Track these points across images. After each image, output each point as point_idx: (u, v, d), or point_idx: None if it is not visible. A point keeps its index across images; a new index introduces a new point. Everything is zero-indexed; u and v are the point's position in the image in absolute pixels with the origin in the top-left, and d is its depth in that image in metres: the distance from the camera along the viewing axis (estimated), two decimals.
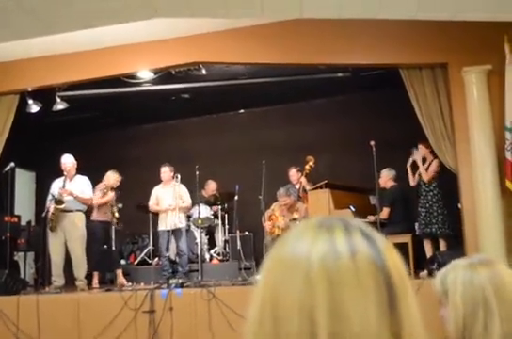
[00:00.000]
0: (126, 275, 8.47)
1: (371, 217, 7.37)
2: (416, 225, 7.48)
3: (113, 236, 7.89)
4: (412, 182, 7.72)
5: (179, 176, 8.33)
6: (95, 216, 8.18)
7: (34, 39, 6.60)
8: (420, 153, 7.53)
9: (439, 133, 6.95)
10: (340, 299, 0.70)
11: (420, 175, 7.54)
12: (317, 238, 0.75)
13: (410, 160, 7.67)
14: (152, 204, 8.56)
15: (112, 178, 8.33)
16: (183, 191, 8.42)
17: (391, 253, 0.76)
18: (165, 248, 8.28)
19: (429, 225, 7.21)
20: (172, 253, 8.58)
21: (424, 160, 7.57)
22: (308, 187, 8.40)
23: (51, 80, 7.91)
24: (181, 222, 8.34)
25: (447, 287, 1.49)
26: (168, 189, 8.42)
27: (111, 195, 8.22)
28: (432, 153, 7.37)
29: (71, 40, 7.08)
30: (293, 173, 8.88)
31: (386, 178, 7.86)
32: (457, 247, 6.85)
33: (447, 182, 7.27)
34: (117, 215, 8.16)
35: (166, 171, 8.43)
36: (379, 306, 0.71)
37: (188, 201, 8.45)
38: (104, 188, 8.12)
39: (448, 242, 7.21)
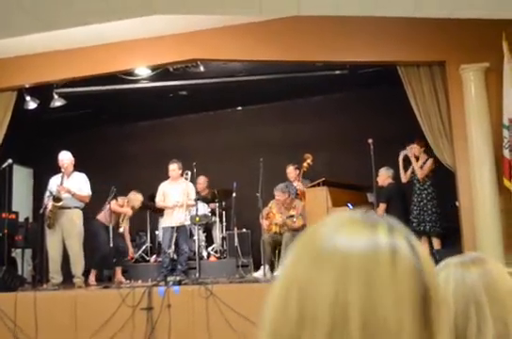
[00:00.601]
0: (124, 272, 8.47)
1: None
2: None
3: (111, 234, 7.89)
4: (404, 179, 7.74)
5: (189, 173, 8.34)
6: (101, 216, 8.22)
7: (31, 35, 6.59)
8: (412, 151, 7.56)
9: (436, 130, 6.96)
10: (375, 300, 0.68)
11: (413, 172, 7.57)
12: (359, 233, 0.72)
13: (401, 155, 7.69)
14: (158, 201, 8.56)
15: (133, 199, 8.60)
16: (190, 189, 8.42)
17: (428, 261, 0.74)
18: (167, 244, 8.25)
19: (422, 223, 7.24)
20: (171, 251, 8.56)
21: (416, 159, 7.60)
22: (300, 186, 8.40)
23: (48, 77, 7.90)
24: (186, 220, 8.34)
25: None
26: (175, 186, 8.41)
27: (128, 210, 8.46)
28: (425, 152, 7.40)
29: (68, 37, 7.07)
30: (290, 170, 8.87)
31: (384, 176, 7.87)
32: (454, 245, 6.87)
33: (442, 180, 7.29)
34: (121, 230, 8.34)
35: (174, 169, 8.41)
36: (414, 316, 0.69)
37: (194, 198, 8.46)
38: (127, 201, 8.39)
39: (441, 240, 7.24)
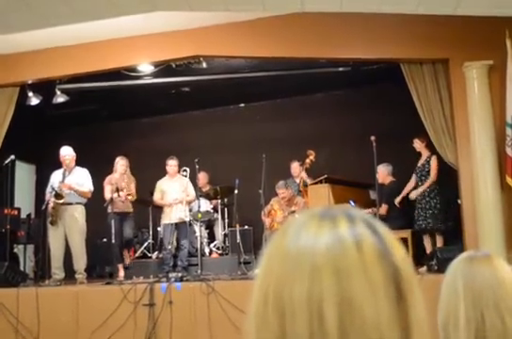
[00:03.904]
0: (126, 268, 8.47)
1: (369, 211, 7.37)
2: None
3: (113, 230, 7.87)
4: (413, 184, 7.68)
5: (188, 169, 8.33)
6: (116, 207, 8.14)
7: (33, 31, 6.59)
8: (416, 147, 7.56)
9: (439, 128, 6.95)
10: (349, 291, 0.68)
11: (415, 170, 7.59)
12: (321, 229, 0.73)
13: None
14: (156, 198, 8.55)
15: (117, 163, 8.44)
16: (189, 185, 8.42)
17: (395, 244, 0.74)
18: (168, 241, 8.26)
19: (425, 220, 7.23)
20: (173, 247, 8.57)
21: (419, 154, 7.59)
22: (308, 181, 8.40)
23: (51, 73, 7.90)
24: (186, 216, 8.34)
25: None
26: (173, 183, 8.41)
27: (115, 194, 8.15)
28: (427, 146, 7.39)
29: (71, 33, 7.06)
30: (295, 166, 8.87)
31: (384, 174, 7.87)
32: (456, 242, 6.87)
33: (445, 178, 7.28)
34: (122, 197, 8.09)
35: (175, 165, 8.42)
36: (389, 298, 0.69)
37: (193, 194, 8.45)
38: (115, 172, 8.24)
39: (445, 237, 7.23)
